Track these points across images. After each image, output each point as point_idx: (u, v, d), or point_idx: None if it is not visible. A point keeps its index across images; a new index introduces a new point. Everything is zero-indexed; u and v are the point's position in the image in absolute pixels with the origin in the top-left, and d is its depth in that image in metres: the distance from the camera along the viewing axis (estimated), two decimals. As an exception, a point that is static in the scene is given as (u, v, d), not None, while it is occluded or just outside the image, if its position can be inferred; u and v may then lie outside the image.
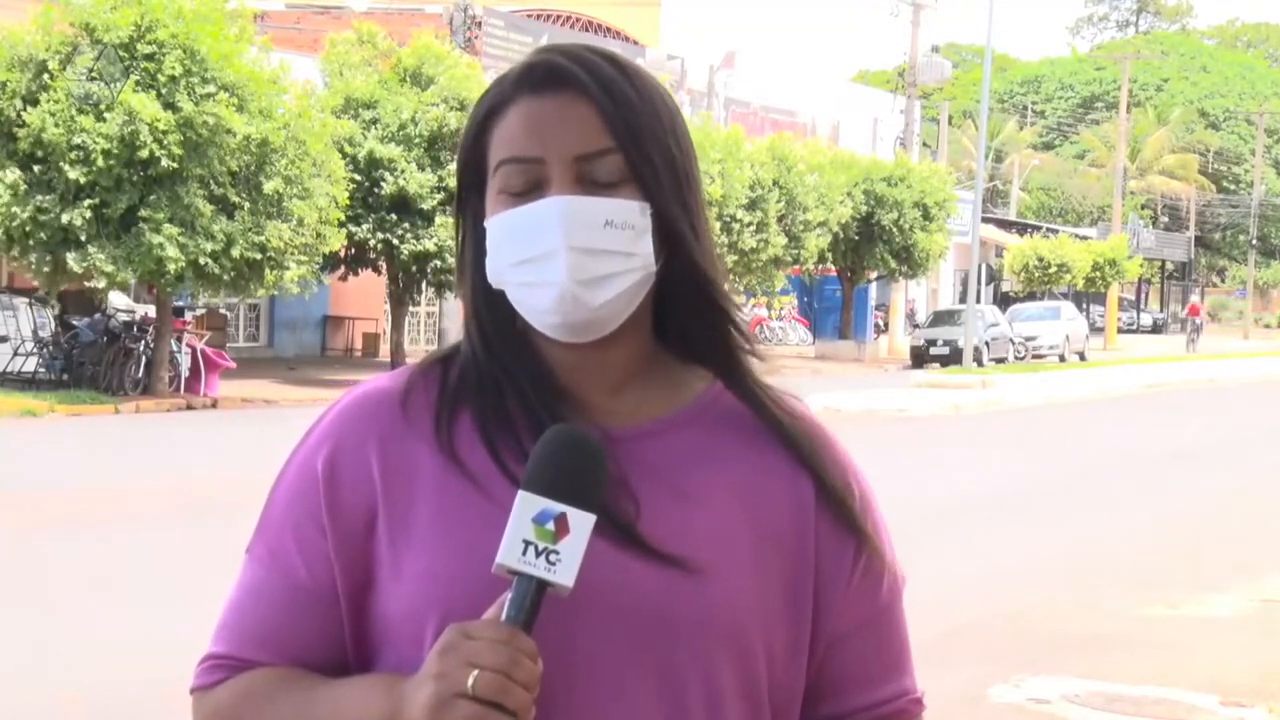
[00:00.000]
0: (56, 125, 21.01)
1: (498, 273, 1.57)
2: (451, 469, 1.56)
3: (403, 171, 26.80)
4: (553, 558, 1.42)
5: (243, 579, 1.62)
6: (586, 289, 1.52)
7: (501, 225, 1.56)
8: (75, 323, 24.15)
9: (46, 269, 21.73)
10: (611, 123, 1.54)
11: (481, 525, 1.51)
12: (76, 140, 20.96)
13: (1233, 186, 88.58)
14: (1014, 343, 44.77)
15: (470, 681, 1.38)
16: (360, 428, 1.59)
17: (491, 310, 1.60)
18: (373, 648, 1.57)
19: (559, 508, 1.43)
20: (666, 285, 1.59)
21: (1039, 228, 61.83)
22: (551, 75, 1.56)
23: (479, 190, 1.60)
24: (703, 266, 1.60)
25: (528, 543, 1.42)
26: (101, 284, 21.82)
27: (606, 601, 1.50)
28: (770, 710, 1.59)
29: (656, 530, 1.53)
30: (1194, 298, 71.15)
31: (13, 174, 21.22)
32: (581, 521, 1.43)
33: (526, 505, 1.44)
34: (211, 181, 21.80)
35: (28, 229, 21.26)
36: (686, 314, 1.62)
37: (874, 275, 43.56)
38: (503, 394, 1.59)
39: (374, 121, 27.43)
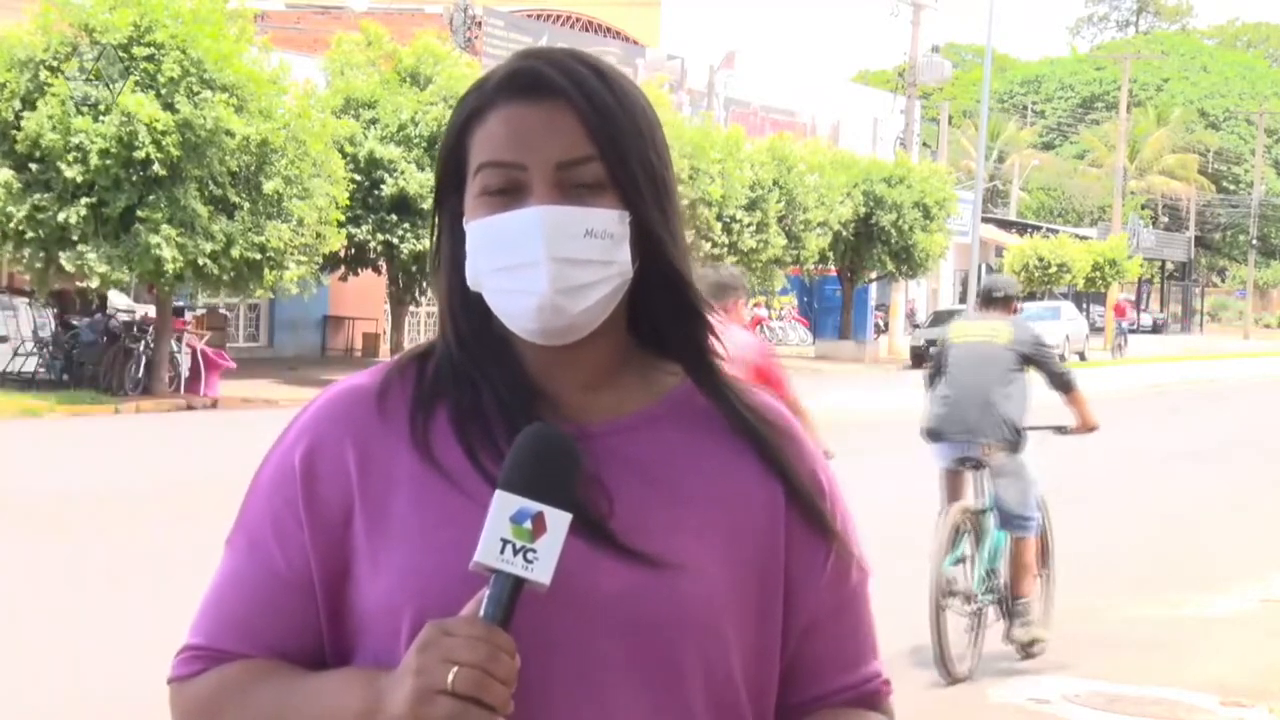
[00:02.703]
0: (54, 129, 21.00)
1: (476, 276, 1.59)
2: (428, 466, 1.58)
3: (403, 173, 26.81)
4: (530, 556, 1.45)
5: (222, 570, 1.64)
6: (566, 297, 1.54)
7: (482, 231, 1.57)
8: (75, 323, 24.15)
9: (39, 266, 21.72)
10: (593, 131, 1.57)
11: (457, 521, 1.53)
12: (74, 140, 20.96)
13: (1233, 186, 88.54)
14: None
15: (449, 678, 1.41)
16: (338, 424, 1.61)
17: (467, 309, 1.62)
18: (349, 640, 1.59)
19: (536, 506, 1.46)
20: (642, 285, 1.61)
21: (1039, 228, 61.81)
22: (535, 82, 1.58)
23: (458, 190, 1.62)
24: (681, 271, 1.63)
25: (505, 541, 1.45)
26: (94, 283, 21.78)
27: (579, 596, 1.52)
28: (749, 704, 1.61)
29: (629, 526, 1.55)
30: (1120, 296, 59.64)
31: (5, 173, 21.21)
32: (558, 520, 1.46)
33: (504, 504, 1.46)
34: (211, 182, 21.79)
35: (23, 227, 21.27)
36: (662, 314, 1.64)
37: (874, 275, 43.54)
38: (478, 392, 1.61)
39: (374, 121, 27.44)
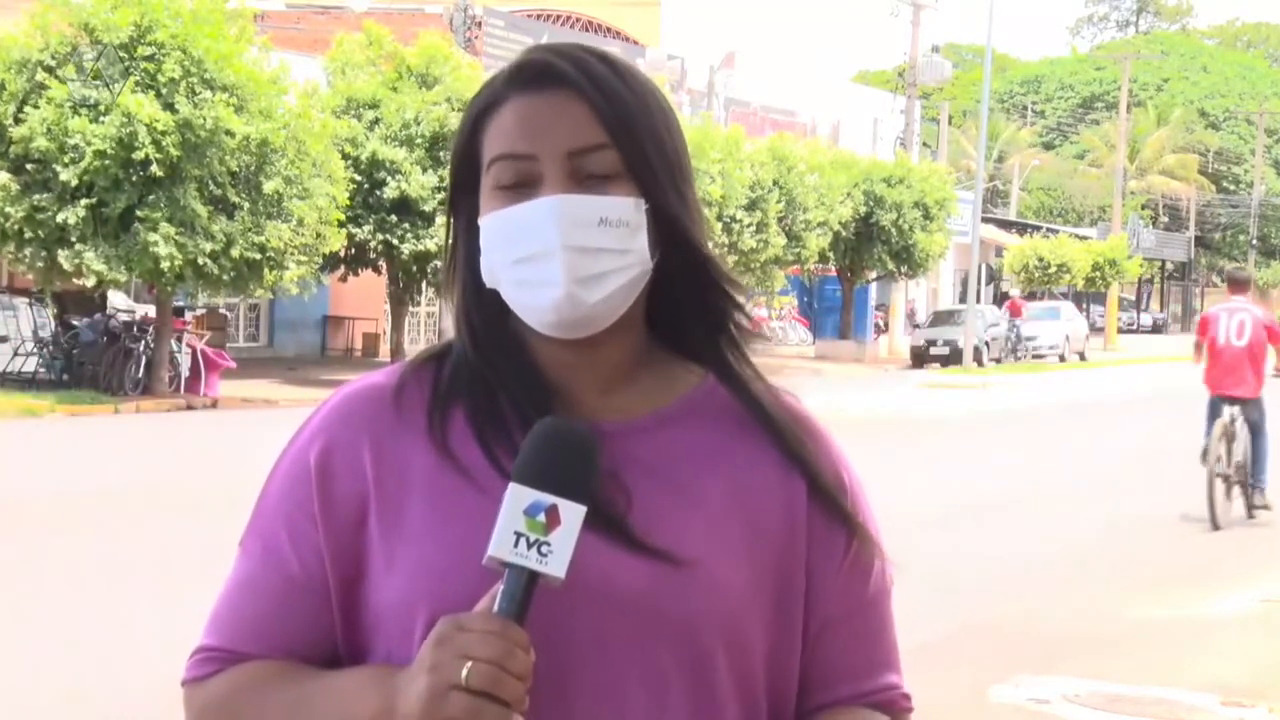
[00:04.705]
0: (47, 133, 20.98)
1: (492, 271, 1.57)
2: (445, 465, 1.56)
3: (405, 174, 26.81)
4: (544, 549, 1.43)
5: (235, 572, 1.63)
6: (583, 287, 1.52)
7: (496, 224, 1.56)
8: (75, 323, 24.15)
9: (40, 264, 21.72)
10: (605, 118, 1.55)
11: (474, 519, 1.51)
12: (70, 141, 20.94)
13: (1233, 186, 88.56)
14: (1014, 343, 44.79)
15: (464, 673, 1.39)
16: (353, 423, 1.60)
17: (482, 308, 1.61)
18: (364, 640, 1.58)
19: (550, 499, 1.44)
20: (663, 279, 1.59)
21: (1039, 228, 61.83)
22: (544, 73, 1.57)
23: (472, 189, 1.61)
24: (706, 251, 1.61)
25: (519, 534, 1.43)
26: (90, 282, 21.75)
27: (596, 594, 1.51)
28: (766, 703, 1.60)
29: (647, 524, 1.54)
30: (1014, 292, 53.23)
31: (4, 175, 21.19)
32: (572, 513, 1.44)
33: (517, 497, 1.44)
34: (211, 182, 21.79)
35: (21, 227, 21.26)
36: (687, 304, 1.63)
37: (874, 275, 43.56)
38: (494, 393, 1.59)
39: (376, 121, 27.44)
